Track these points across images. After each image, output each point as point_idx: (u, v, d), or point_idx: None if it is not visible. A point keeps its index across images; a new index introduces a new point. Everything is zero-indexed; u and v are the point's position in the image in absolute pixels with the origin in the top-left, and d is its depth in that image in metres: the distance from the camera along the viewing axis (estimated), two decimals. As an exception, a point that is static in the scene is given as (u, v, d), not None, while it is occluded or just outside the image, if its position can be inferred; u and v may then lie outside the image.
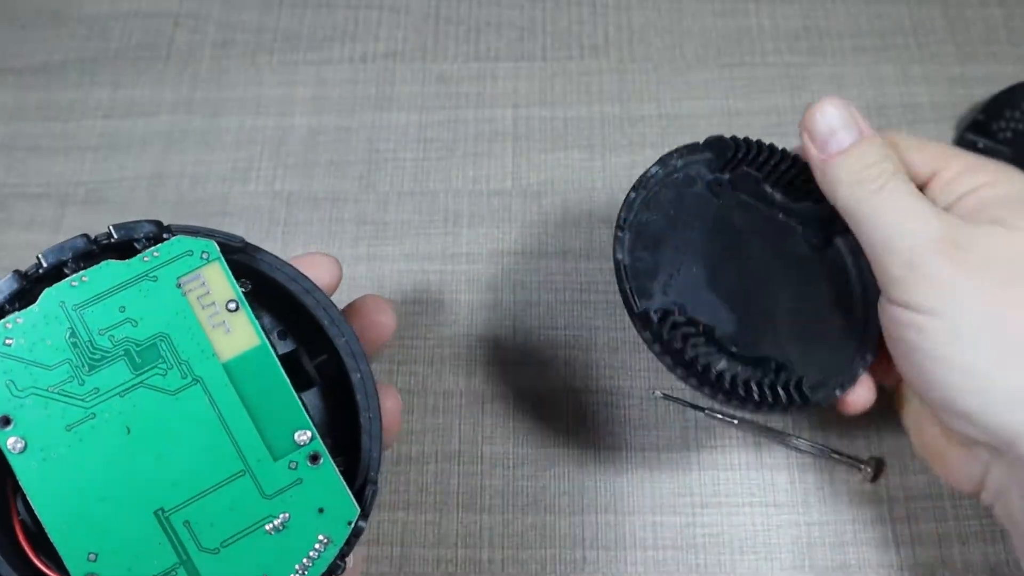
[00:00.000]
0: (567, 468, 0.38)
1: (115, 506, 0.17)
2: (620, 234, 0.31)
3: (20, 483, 0.17)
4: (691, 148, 0.32)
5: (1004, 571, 0.36)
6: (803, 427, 0.38)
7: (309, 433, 0.18)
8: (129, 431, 0.17)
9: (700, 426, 0.38)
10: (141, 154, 0.45)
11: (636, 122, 0.45)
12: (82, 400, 0.17)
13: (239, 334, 0.17)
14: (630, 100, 0.46)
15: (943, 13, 0.48)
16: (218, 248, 0.18)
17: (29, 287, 0.18)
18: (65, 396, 0.17)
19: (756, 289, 0.32)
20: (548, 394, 0.39)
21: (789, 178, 0.32)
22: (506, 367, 0.40)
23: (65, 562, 0.17)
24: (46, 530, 0.17)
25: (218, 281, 0.18)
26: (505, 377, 0.40)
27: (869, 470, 0.36)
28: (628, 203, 0.31)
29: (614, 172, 0.44)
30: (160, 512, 0.17)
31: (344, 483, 0.18)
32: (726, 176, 0.32)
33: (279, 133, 0.46)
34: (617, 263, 0.30)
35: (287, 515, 0.17)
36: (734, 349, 0.30)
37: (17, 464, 0.17)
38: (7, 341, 0.17)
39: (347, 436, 0.19)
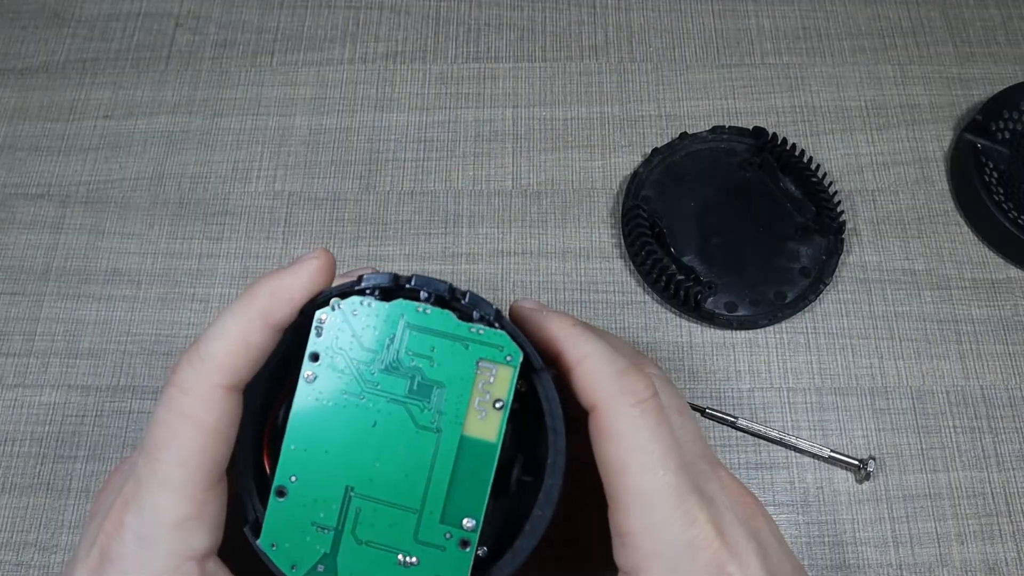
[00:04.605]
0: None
1: (330, 461, 0.21)
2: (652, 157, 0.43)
3: (294, 401, 0.21)
4: (740, 130, 0.44)
5: (1003, 570, 0.36)
6: (802, 427, 0.38)
7: (474, 524, 0.21)
8: (374, 425, 0.21)
9: (699, 426, 0.38)
10: (142, 154, 0.45)
11: (636, 122, 0.45)
12: (364, 384, 0.22)
13: (487, 425, 0.21)
14: (630, 100, 0.46)
15: (942, 14, 0.48)
16: (521, 360, 0.21)
17: (392, 290, 0.22)
18: (357, 373, 0.22)
19: (731, 236, 0.41)
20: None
21: (799, 171, 0.42)
22: (506, 367, 0.40)
23: (278, 468, 0.21)
24: (284, 439, 0.21)
25: (503, 381, 0.21)
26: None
27: (868, 470, 0.36)
28: (672, 144, 0.43)
29: (614, 172, 0.44)
30: (349, 488, 0.21)
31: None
32: (757, 159, 0.43)
33: (280, 133, 0.46)
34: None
35: (416, 561, 0.21)
36: (681, 257, 0.41)
37: (301, 387, 0.21)
38: (354, 312, 0.22)
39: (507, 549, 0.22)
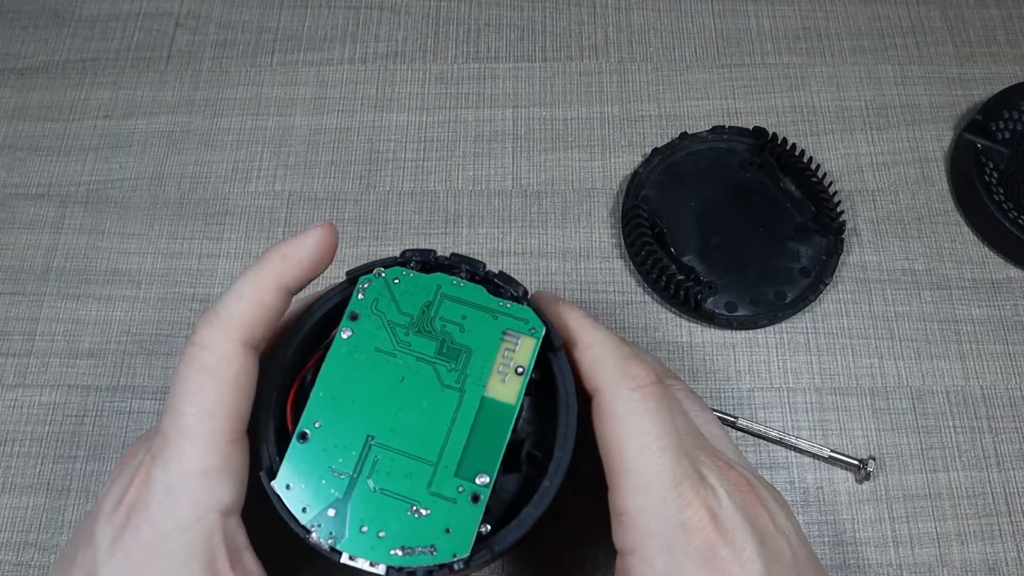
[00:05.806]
0: (567, 467, 0.38)
1: (354, 411, 0.22)
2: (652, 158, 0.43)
3: (328, 353, 0.23)
4: (740, 130, 0.44)
5: (1003, 570, 0.36)
6: (802, 427, 0.38)
7: (487, 480, 0.22)
8: (402, 380, 0.23)
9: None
10: (142, 154, 0.45)
11: (636, 122, 0.45)
12: (397, 343, 0.23)
13: (508, 389, 0.23)
14: (630, 100, 0.46)
15: (942, 14, 0.48)
16: (543, 334, 0.23)
17: (431, 263, 0.24)
18: (391, 333, 0.23)
19: (732, 236, 0.41)
20: (548, 394, 0.39)
21: (799, 171, 0.42)
22: (506, 367, 0.40)
23: (304, 414, 0.22)
24: (313, 388, 0.22)
25: (525, 351, 0.23)
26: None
27: (868, 470, 0.37)
28: (672, 144, 0.43)
29: (614, 172, 0.44)
30: (370, 437, 0.22)
31: (476, 530, 0.21)
32: (757, 159, 0.43)
33: (280, 133, 0.46)
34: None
35: (428, 512, 0.21)
36: (681, 257, 0.41)
37: (337, 341, 0.23)
38: (395, 280, 0.24)
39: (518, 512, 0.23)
